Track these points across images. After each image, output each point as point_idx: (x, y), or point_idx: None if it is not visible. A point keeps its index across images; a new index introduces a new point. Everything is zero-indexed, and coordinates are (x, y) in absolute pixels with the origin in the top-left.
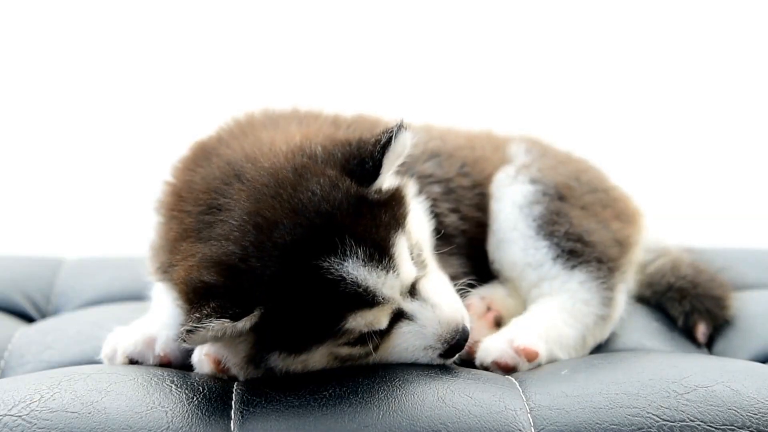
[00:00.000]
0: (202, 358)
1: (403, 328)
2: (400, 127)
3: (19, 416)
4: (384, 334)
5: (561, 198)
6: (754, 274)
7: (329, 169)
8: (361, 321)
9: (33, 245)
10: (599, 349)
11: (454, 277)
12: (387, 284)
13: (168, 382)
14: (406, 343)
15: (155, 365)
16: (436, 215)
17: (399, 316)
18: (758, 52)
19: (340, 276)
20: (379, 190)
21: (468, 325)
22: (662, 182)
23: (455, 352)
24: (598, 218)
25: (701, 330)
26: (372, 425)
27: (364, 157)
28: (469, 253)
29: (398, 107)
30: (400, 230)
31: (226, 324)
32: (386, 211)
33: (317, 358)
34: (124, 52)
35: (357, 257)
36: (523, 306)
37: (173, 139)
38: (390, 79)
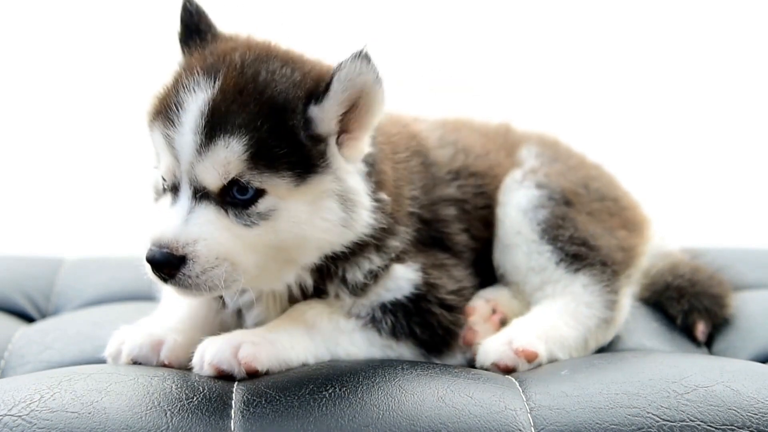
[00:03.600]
0: (204, 362)
1: (161, 201)
2: (356, 56)
3: (19, 416)
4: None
5: (567, 203)
6: (754, 274)
7: (304, 75)
8: (157, 144)
9: (33, 245)
10: (601, 349)
11: (460, 289)
12: (185, 147)
13: (168, 382)
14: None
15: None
16: (447, 234)
17: (175, 190)
18: (759, 54)
19: (181, 100)
20: (315, 118)
21: (166, 248)
22: (662, 182)
23: (152, 265)
24: (605, 225)
25: (700, 329)
26: (372, 425)
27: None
28: (476, 266)
29: (399, 107)
30: (256, 151)
31: None
32: (280, 132)
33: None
34: (124, 53)
35: (203, 107)
36: (527, 308)
37: None
38: (393, 79)
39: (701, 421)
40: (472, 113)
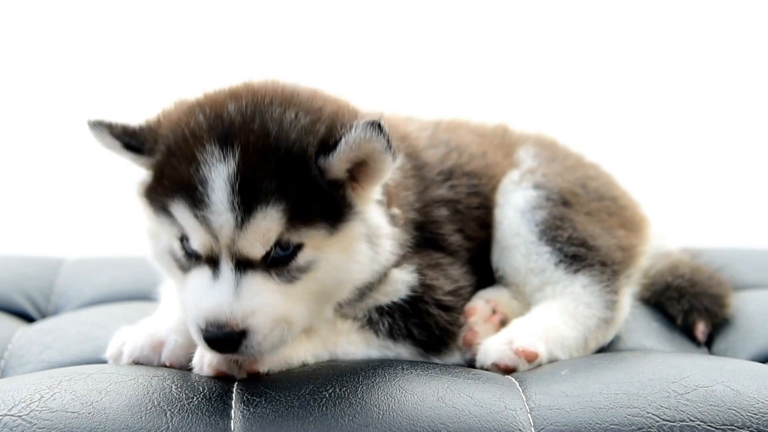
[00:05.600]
0: (203, 363)
1: (194, 273)
2: (369, 124)
3: (19, 416)
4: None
5: (565, 203)
6: (754, 274)
7: (314, 122)
8: (183, 219)
9: (33, 245)
10: (601, 349)
11: (457, 289)
12: (224, 226)
13: (168, 382)
14: (189, 291)
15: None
16: (441, 235)
17: (213, 261)
18: (759, 54)
19: (204, 177)
20: (324, 168)
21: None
22: (662, 182)
23: (213, 345)
24: (603, 225)
25: (700, 328)
26: (372, 425)
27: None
28: (473, 266)
29: (400, 107)
30: (292, 212)
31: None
32: (306, 185)
33: (162, 239)
34: (124, 53)
35: (230, 180)
36: (527, 309)
37: None
38: (393, 78)
39: (701, 421)
40: (470, 114)
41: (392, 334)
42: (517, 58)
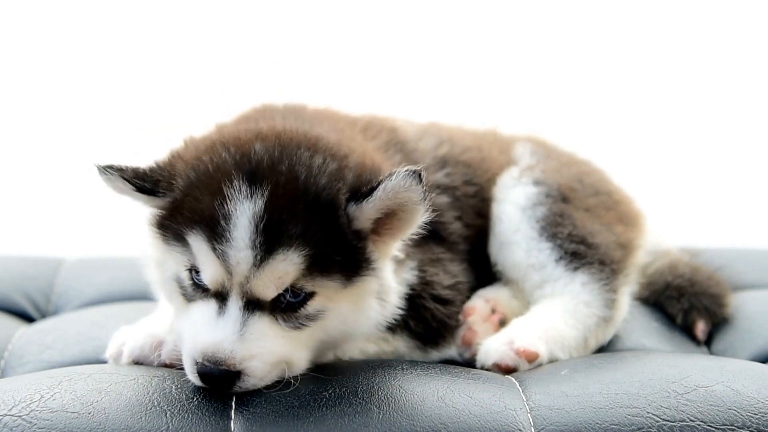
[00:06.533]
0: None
1: (199, 305)
2: (409, 173)
3: (19, 416)
4: (196, 291)
5: (564, 200)
6: (754, 274)
7: (341, 168)
8: (199, 250)
9: (33, 245)
10: (600, 349)
11: (456, 284)
12: (241, 263)
13: (168, 382)
14: (190, 322)
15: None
16: (442, 224)
17: (220, 296)
18: (758, 54)
19: (228, 212)
20: (352, 216)
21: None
22: (661, 182)
23: (206, 380)
24: (602, 221)
25: (700, 327)
26: (372, 425)
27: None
28: (471, 259)
29: (400, 106)
30: (312, 259)
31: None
32: (331, 234)
33: (169, 268)
34: (125, 54)
35: (255, 219)
36: (527, 308)
37: (173, 140)
38: (393, 78)
39: (701, 421)
40: (462, 119)
41: (389, 326)
42: (514, 58)
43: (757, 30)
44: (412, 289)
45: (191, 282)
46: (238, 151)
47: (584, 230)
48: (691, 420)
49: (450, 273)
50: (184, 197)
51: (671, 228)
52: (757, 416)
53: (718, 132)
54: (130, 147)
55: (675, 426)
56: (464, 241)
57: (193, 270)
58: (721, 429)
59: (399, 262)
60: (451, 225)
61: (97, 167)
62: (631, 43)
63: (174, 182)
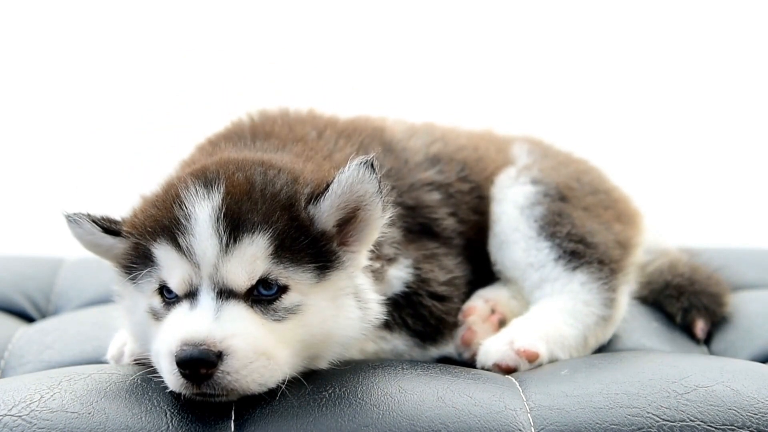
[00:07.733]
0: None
1: (171, 313)
2: (361, 163)
3: (19, 416)
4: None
5: (562, 199)
6: (754, 274)
7: (297, 177)
8: (165, 258)
9: (33, 245)
10: (600, 349)
11: (452, 279)
12: (207, 252)
13: None
14: (164, 328)
15: None
16: (434, 220)
17: (192, 295)
18: (758, 54)
19: (188, 212)
20: (313, 216)
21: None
22: (661, 182)
23: (187, 366)
24: (600, 219)
25: (700, 326)
26: (372, 425)
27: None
28: (468, 255)
29: (400, 106)
30: (279, 245)
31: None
32: (295, 227)
33: (140, 307)
34: (125, 54)
35: (215, 211)
36: (526, 308)
37: (173, 140)
38: (393, 78)
39: (701, 421)
40: (459, 120)
41: (388, 325)
42: (514, 59)
43: (757, 30)
44: (409, 287)
45: (163, 302)
46: (193, 171)
47: (583, 229)
48: (691, 420)
49: (445, 268)
50: (145, 219)
51: (670, 227)
52: (757, 416)
53: (717, 132)
54: (130, 147)
55: (675, 426)
56: (459, 236)
57: (164, 288)
58: (721, 429)
59: (393, 261)
60: (445, 221)
61: (65, 216)
62: (628, 43)
63: (136, 219)
